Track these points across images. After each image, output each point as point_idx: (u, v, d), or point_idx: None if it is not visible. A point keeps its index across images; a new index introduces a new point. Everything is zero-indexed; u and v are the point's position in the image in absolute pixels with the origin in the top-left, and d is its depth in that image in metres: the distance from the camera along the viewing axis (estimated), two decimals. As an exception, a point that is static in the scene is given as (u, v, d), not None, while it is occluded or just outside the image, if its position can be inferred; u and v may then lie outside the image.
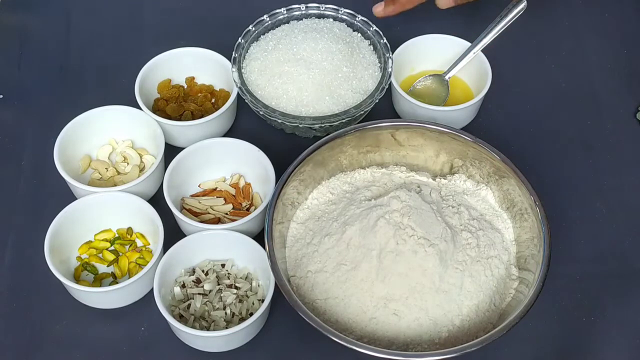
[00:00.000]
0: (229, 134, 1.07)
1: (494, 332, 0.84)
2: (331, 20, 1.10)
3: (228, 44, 1.08)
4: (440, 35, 1.10)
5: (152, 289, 0.91)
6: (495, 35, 1.05)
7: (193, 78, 1.10)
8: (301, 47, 1.05)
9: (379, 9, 1.01)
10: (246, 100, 1.04)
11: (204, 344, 0.91)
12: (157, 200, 0.99)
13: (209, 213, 1.00)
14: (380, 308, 0.87)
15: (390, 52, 1.07)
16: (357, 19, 1.10)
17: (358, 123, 1.02)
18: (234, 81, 1.05)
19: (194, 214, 0.99)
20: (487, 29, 1.05)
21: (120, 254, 0.98)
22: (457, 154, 0.98)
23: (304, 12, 1.10)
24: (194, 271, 0.95)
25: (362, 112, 1.03)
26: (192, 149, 1.00)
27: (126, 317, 0.94)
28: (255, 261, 0.94)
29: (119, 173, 1.03)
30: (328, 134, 0.97)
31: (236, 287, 0.94)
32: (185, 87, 1.10)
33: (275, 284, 0.88)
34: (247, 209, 1.01)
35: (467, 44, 1.08)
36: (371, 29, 1.09)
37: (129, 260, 0.97)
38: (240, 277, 0.95)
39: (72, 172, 1.00)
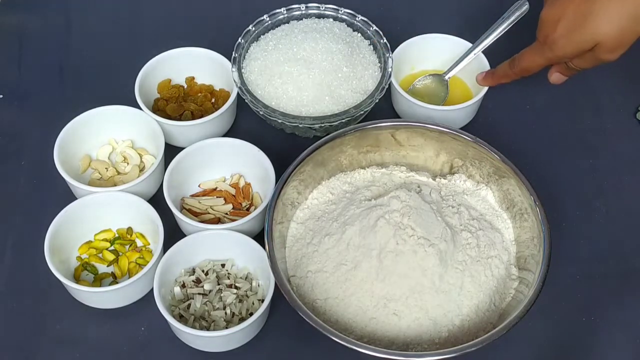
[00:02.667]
0: (229, 134, 1.07)
1: (494, 332, 0.84)
2: (331, 20, 1.10)
3: (228, 44, 1.08)
4: (441, 35, 1.10)
5: (152, 289, 0.91)
6: (497, 37, 1.05)
7: (193, 78, 1.10)
8: (301, 47, 1.05)
9: (480, 77, 1.04)
10: (246, 100, 1.04)
11: (204, 344, 0.91)
12: (157, 200, 0.99)
13: (209, 213, 1.00)
14: (380, 308, 0.87)
15: (390, 52, 1.07)
16: (357, 18, 1.10)
17: (358, 123, 1.02)
18: (234, 81, 1.05)
19: (194, 214, 0.99)
20: (489, 30, 1.05)
21: (120, 253, 0.98)
22: (457, 154, 0.98)
23: (304, 12, 1.10)
24: (194, 271, 0.95)
25: (362, 112, 1.03)
26: (192, 149, 1.00)
27: (126, 317, 0.94)
28: (255, 261, 0.94)
29: (119, 173, 1.03)
30: (328, 134, 0.97)
31: (236, 287, 0.94)
32: (185, 87, 1.10)
33: (275, 284, 0.88)
34: (247, 209, 1.01)
35: (467, 44, 1.08)
36: (371, 28, 1.09)
37: (129, 260, 0.97)
38: (240, 277, 0.95)
39: (72, 172, 1.00)
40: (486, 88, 1.04)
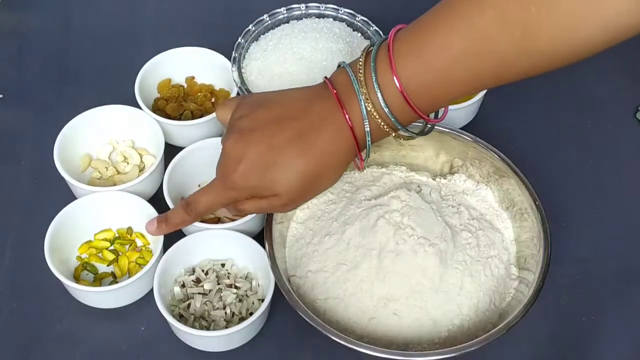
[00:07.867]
0: (229, 133, 1.07)
1: (493, 331, 0.84)
2: (331, 20, 1.10)
3: (228, 44, 1.08)
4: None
5: (152, 289, 0.91)
6: None
7: (193, 78, 1.10)
8: (301, 46, 1.05)
9: (152, 228, 0.94)
10: (246, 100, 1.04)
11: (204, 344, 0.91)
12: (157, 200, 0.99)
13: (209, 213, 1.00)
14: (380, 308, 0.87)
15: (390, 52, 1.06)
16: (357, 18, 1.10)
17: (358, 123, 1.02)
18: (234, 81, 1.05)
19: (194, 214, 0.99)
20: None
21: (120, 253, 0.98)
22: (457, 153, 0.98)
23: (304, 11, 1.11)
24: (193, 271, 0.95)
25: (362, 112, 1.03)
26: (192, 149, 1.00)
27: (126, 317, 0.94)
28: (255, 261, 0.94)
29: (118, 172, 1.03)
30: (328, 134, 0.97)
31: (236, 287, 0.94)
32: (185, 86, 1.10)
33: (275, 283, 0.88)
34: (247, 209, 1.01)
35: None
36: (371, 28, 1.09)
37: (128, 260, 0.97)
38: (240, 277, 0.95)
39: (72, 171, 1.00)
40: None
